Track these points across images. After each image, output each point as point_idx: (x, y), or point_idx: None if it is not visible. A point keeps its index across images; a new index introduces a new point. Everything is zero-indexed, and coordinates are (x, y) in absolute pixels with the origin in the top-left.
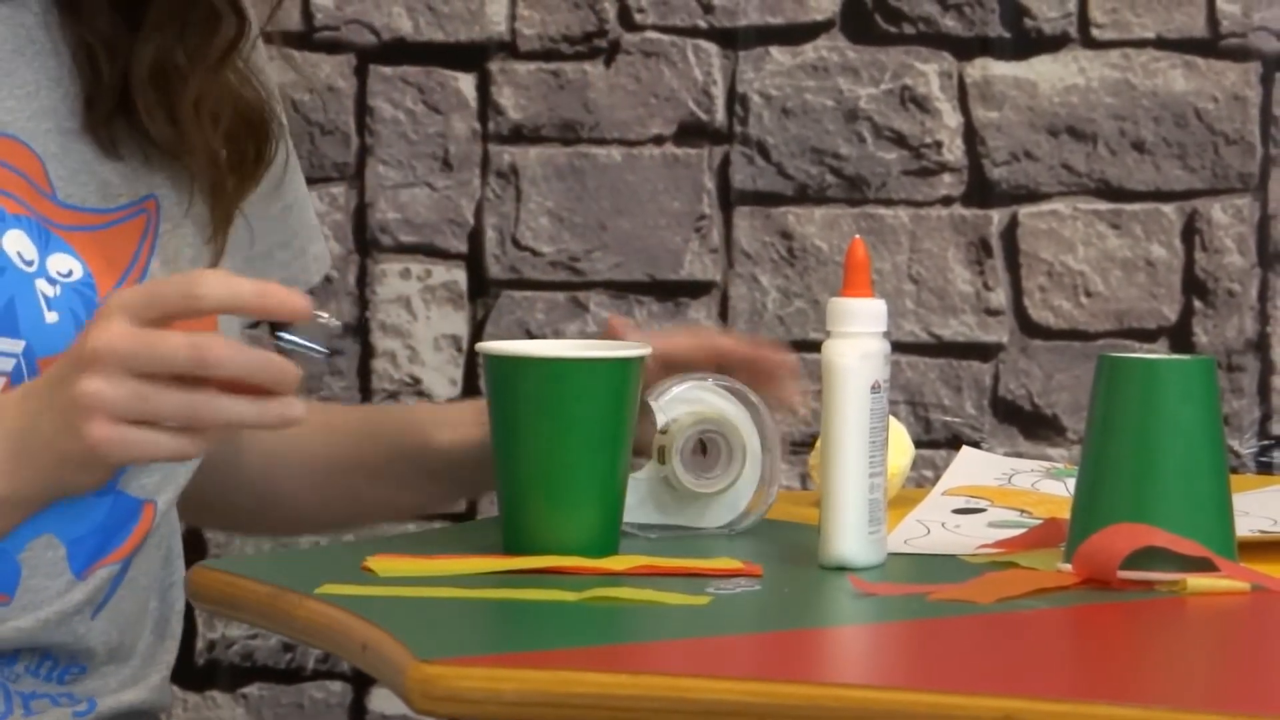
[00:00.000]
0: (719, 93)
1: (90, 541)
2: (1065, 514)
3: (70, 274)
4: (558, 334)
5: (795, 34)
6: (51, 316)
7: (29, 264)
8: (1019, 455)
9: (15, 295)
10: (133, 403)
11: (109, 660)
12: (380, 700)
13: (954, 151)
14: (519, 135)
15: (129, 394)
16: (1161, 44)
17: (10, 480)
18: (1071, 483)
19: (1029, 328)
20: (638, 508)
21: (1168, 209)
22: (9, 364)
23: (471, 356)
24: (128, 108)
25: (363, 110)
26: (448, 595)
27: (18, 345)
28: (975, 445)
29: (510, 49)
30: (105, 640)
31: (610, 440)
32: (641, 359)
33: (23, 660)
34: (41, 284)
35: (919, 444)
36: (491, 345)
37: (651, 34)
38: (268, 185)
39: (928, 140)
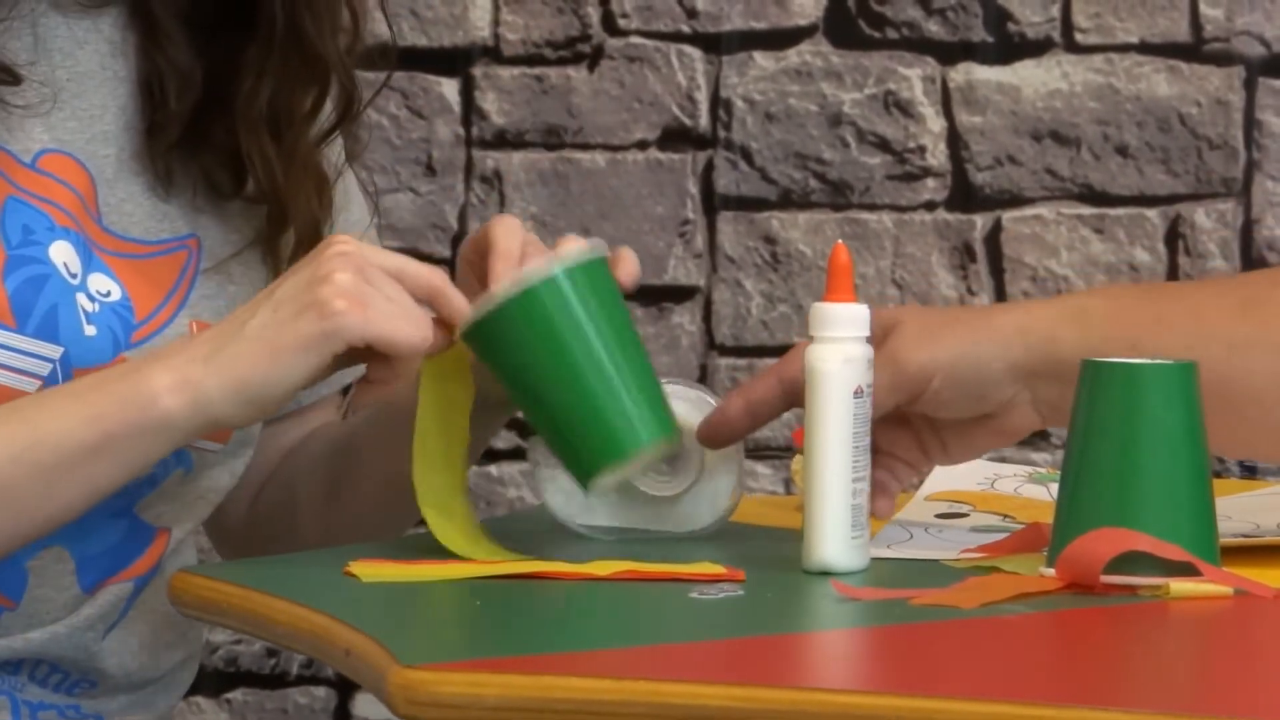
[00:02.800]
0: (703, 98)
1: (102, 561)
2: (1048, 519)
3: (109, 294)
4: None
5: (779, 39)
6: (90, 329)
7: (73, 276)
8: (1002, 460)
9: (59, 303)
10: (372, 293)
11: (125, 684)
12: (364, 705)
13: (937, 156)
14: (502, 140)
15: (371, 282)
16: (1145, 48)
17: (206, 379)
18: (1054, 487)
19: None
20: (597, 509)
21: (1151, 213)
22: (45, 369)
23: None
24: (188, 141)
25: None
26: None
27: (56, 351)
28: None
29: (494, 54)
30: (119, 662)
31: (613, 337)
32: (604, 258)
33: (26, 670)
34: (82, 298)
35: None
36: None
37: (635, 39)
38: None
39: (911, 145)
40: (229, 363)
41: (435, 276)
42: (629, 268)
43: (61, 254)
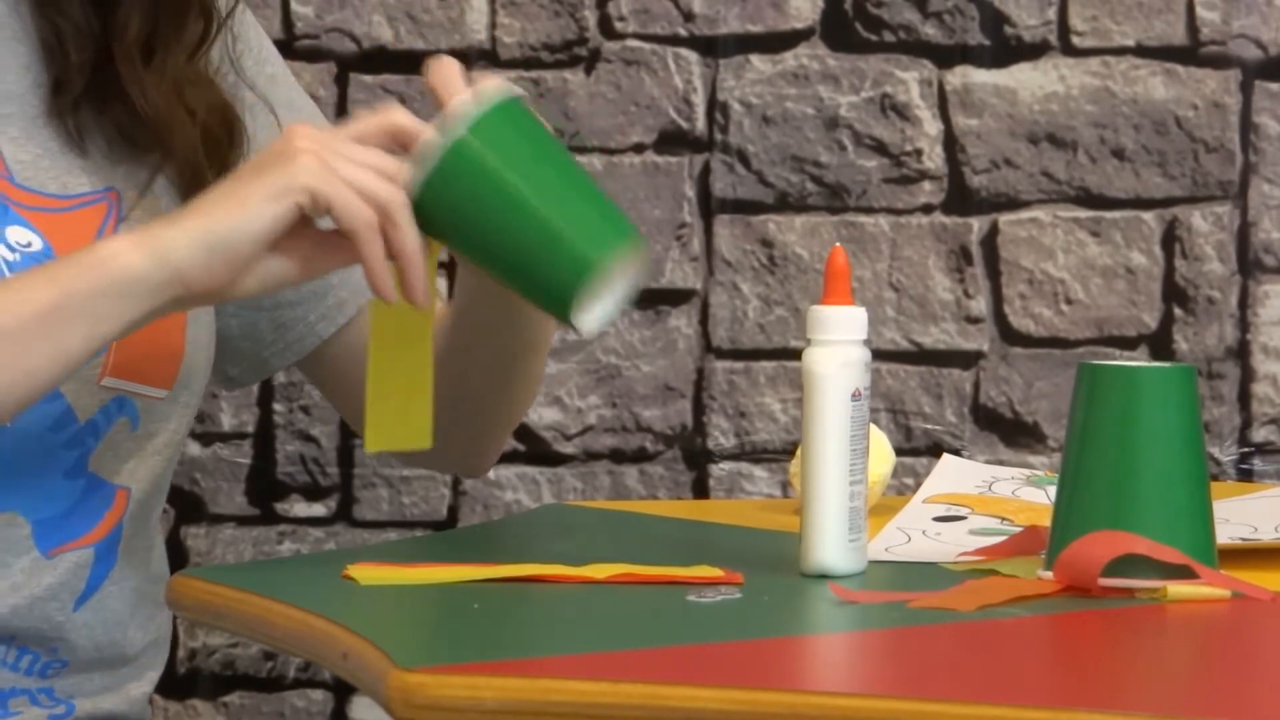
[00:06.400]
0: (699, 101)
1: (59, 523)
2: (1046, 521)
3: (29, 245)
4: None
5: (775, 42)
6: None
7: None
8: (999, 463)
9: None
10: (336, 159)
11: (96, 662)
12: (361, 709)
13: (934, 159)
14: None
15: (341, 150)
16: (1141, 51)
17: (163, 246)
18: (1052, 490)
19: (1009, 335)
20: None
21: (1148, 216)
22: None
23: None
24: (96, 96)
25: (343, 119)
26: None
27: None
28: (956, 453)
29: (491, 57)
30: (89, 637)
31: (559, 159)
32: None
33: None
34: (1, 249)
35: (900, 452)
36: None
37: (632, 42)
38: None
39: (908, 148)
40: (192, 215)
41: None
42: None
43: None
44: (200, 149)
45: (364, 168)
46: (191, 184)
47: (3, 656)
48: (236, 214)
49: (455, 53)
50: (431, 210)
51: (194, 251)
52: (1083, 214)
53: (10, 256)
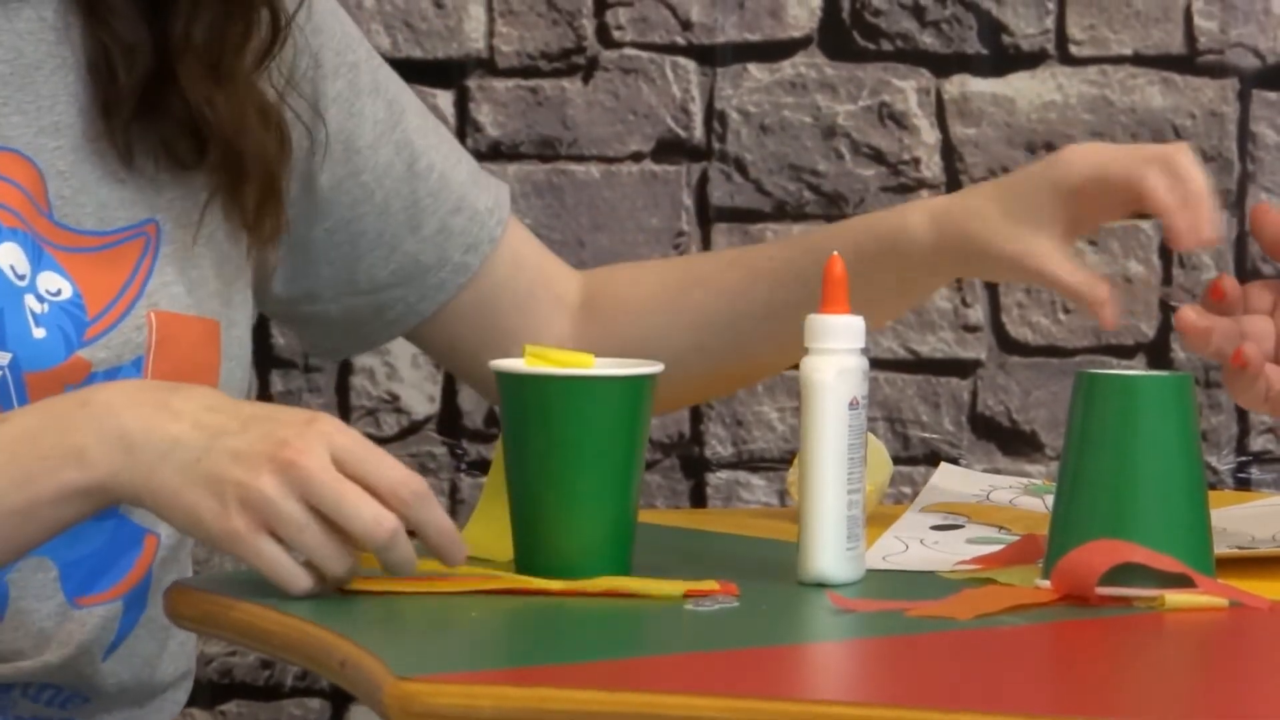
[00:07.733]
0: (697, 109)
1: (86, 566)
2: (1043, 530)
3: (59, 293)
4: None
5: (773, 51)
6: (39, 332)
7: (20, 278)
8: (997, 471)
9: (4, 308)
10: (289, 527)
11: (120, 698)
12: (359, 717)
13: (932, 168)
14: (497, 152)
15: (293, 519)
16: (1139, 60)
17: (123, 470)
18: (1049, 499)
19: (1007, 344)
20: None
21: (1145, 225)
22: None
23: (449, 374)
24: (145, 114)
25: None
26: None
27: (4, 358)
28: (953, 462)
29: (488, 66)
30: (117, 681)
31: (619, 459)
32: (652, 377)
33: (19, 688)
34: (30, 300)
35: (897, 460)
36: (502, 362)
37: (630, 51)
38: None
39: (906, 157)
40: (143, 474)
41: (380, 527)
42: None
43: (8, 256)
44: (276, 156)
45: (284, 554)
46: (266, 194)
47: (24, 689)
48: (169, 506)
49: (453, 62)
50: (517, 395)
51: (129, 499)
52: None
53: (39, 308)
